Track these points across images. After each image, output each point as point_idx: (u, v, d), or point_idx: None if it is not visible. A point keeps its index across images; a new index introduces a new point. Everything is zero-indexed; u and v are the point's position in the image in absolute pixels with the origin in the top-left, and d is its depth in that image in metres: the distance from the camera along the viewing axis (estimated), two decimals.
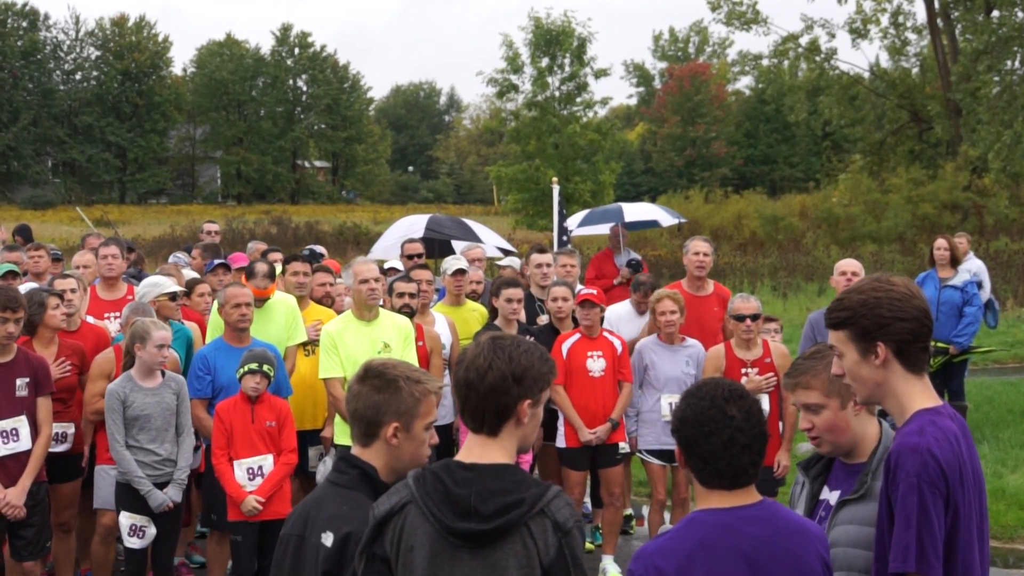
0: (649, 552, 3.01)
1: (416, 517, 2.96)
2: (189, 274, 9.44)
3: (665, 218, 16.48)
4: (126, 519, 6.83)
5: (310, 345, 8.20)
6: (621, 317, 9.12)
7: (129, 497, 6.83)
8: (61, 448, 7.19)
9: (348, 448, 3.48)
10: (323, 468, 7.80)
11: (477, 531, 2.90)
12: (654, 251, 35.26)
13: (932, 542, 2.90)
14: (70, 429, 7.28)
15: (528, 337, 7.93)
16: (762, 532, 2.98)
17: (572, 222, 14.79)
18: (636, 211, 15.90)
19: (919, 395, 3.11)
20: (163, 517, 6.89)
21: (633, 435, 8.35)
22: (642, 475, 10.00)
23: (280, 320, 8.15)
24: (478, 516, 2.90)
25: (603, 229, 14.03)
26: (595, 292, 8.35)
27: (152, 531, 6.85)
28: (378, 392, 3.34)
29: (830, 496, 3.55)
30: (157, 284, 7.91)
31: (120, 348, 7.23)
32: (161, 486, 6.84)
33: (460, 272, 8.94)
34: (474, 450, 3.04)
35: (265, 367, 6.99)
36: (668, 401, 8.08)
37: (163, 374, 6.97)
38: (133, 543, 6.84)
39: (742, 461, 3.00)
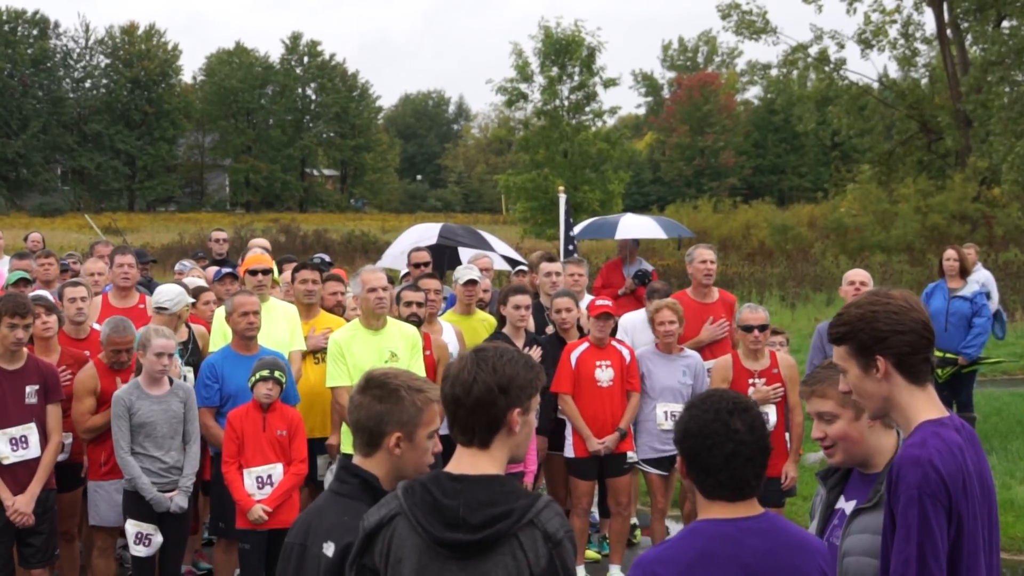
0: (648, 560, 3.00)
1: (405, 529, 2.94)
2: (195, 282, 9.45)
3: (660, 233, 16.37)
4: (132, 527, 6.84)
5: (319, 353, 8.20)
6: (636, 326, 9.03)
7: (135, 505, 6.84)
8: (60, 457, 7.14)
9: (351, 457, 3.47)
10: (331, 477, 7.78)
11: (465, 541, 2.88)
12: (662, 260, 35.21)
13: (934, 554, 2.89)
14: (68, 439, 7.26)
15: (536, 346, 8.05)
16: (763, 544, 2.97)
17: (575, 228, 14.71)
18: (631, 227, 15.52)
19: (923, 406, 3.11)
20: (169, 525, 6.90)
21: None
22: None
23: (283, 324, 8.14)
24: (466, 527, 2.88)
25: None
26: (611, 304, 8.34)
27: (158, 539, 6.86)
28: (380, 402, 3.34)
29: (845, 506, 3.55)
30: (184, 293, 7.97)
31: (100, 361, 7.25)
32: (167, 493, 6.86)
33: (471, 282, 8.93)
34: (464, 461, 3.02)
35: (276, 373, 7.01)
36: (664, 410, 8.06)
37: (171, 382, 6.99)
38: (139, 551, 6.84)
39: (745, 474, 2.99)
